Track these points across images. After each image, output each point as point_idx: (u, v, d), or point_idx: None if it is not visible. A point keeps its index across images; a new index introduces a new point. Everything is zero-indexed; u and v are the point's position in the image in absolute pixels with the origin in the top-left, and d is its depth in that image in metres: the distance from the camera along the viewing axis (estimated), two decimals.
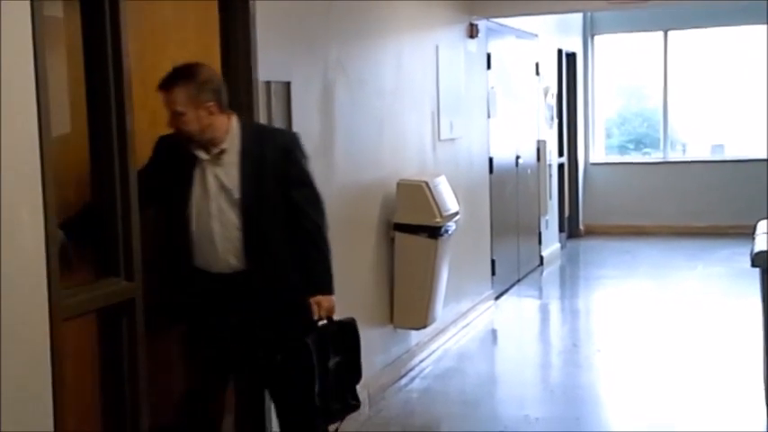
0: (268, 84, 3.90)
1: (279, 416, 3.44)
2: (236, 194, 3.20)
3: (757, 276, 4.27)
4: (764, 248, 4.19)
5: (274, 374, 3.34)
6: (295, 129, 4.09)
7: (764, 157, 10.63)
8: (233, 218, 3.21)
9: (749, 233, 4.91)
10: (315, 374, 3.25)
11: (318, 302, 3.33)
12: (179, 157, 3.23)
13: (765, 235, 4.55)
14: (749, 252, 4.31)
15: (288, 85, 4.06)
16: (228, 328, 3.27)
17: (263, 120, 3.87)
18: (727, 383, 5.10)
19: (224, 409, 3.46)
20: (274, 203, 3.26)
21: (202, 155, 3.21)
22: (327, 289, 3.37)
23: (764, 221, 5.01)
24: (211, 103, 3.17)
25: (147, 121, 3.21)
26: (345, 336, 3.45)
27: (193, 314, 3.31)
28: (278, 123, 3.97)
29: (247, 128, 3.33)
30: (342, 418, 3.47)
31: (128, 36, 2.71)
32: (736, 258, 8.11)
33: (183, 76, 3.15)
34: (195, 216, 3.21)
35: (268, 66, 3.89)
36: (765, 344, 4.23)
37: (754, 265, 4.18)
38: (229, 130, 3.24)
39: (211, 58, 3.69)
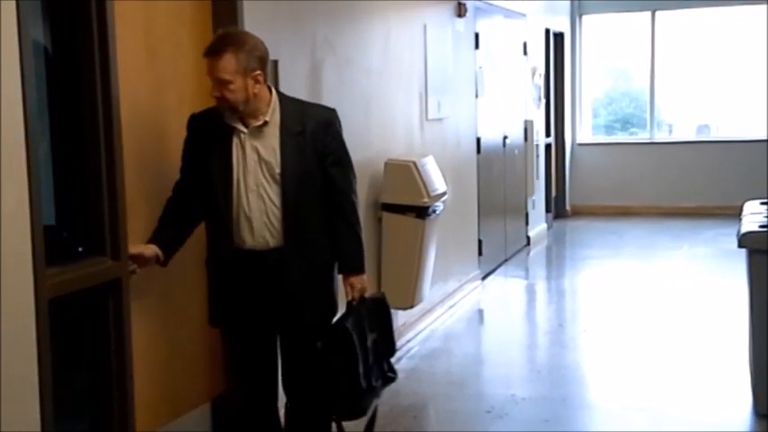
0: None
1: (322, 401, 3.33)
2: (277, 169, 3.14)
3: (743, 257, 4.29)
4: (751, 229, 4.21)
5: (316, 362, 3.28)
6: None
7: (751, 137, 10.68)
8: (272, 193, 3.15)
9: (735, 214, 4.93)
10: (358, 359, 3.24)
11: (352, 284, 3.32)
12: (214, 132, 3.17)
13: (752, 215, 4.57)
14: (735, 233, 4.33)
15: (275, 63, 4.02)
16: (264, 313, 3.22)
17: None
18: (712, 364, 5.13)
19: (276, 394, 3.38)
20: (313, 180, 3.21)
21: (241, 127, 3.15)
22: (360, 269, 3.34)
23: (751, 202, 5.03)
24: (258, 72, 3.11)
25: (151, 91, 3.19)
26: (378, 311, 3.44)
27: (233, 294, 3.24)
28: None
29: (286, 101, 3.26)
30: (381, 393, 3.47)
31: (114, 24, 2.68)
32: (722, 239, 8.16)
33: (231, 42, 3.09)
34: (234, 191, 3.14)
35: None
36: (751, 324, 4.25)
37: (740, 245, 4.19)
38: (270, 103, 3.19)
39: (200, 34, 3.65)
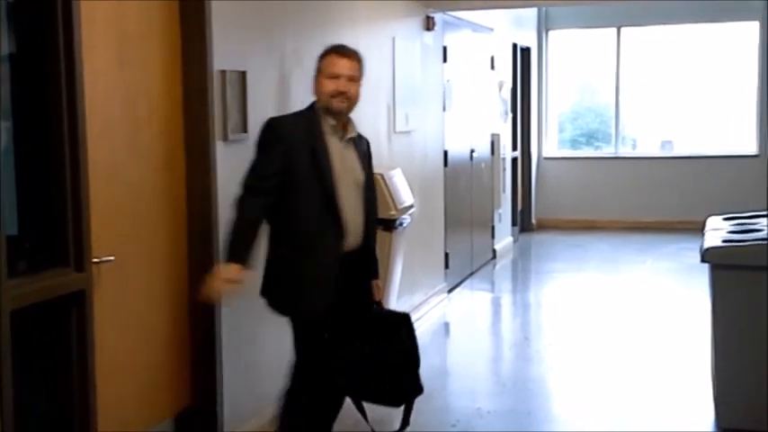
0: (223, 72, 3.85)
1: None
2: (361, 176, 3.53)
3: (706, 271, 4.34)
4: (714, 244, 4.26)
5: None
6: (250, 119, 4.06)
7: (713, 153, 10.84)
8: (357, 198, 3.50)
9: (697, 228, 4.99)
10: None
11: (378, 285, 3.72)
12: (311, 138, 3.42)
13: (715, 231, 4.63)
14: (698, 247, 4.38)
15: (243, 74, 4.01)
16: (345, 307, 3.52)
17: (217, 109, 3.82)
18: (675, 377, 5.18)
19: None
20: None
21: (338, 133, 3.50)
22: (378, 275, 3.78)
23: (714, 217, 5.09)
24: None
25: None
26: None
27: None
28: (233, 113, 3.93)
29: None
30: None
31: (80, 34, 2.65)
32: (685, 253, 8.25)
33: (354, 50, 3.57)
34: (338, 196, 3.42)
35: (224, 54, 3.84)
36: (713, 338, 4.30)
37: (703, 260, 4.24)
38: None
39: (169, 47, 3.63)
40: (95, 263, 2.97)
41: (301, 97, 4.60)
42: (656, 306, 7.00)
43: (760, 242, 4.17)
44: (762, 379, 4.13)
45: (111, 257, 3.21)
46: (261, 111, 4.18)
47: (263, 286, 3.55)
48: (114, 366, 3.32)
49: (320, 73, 3.54)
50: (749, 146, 10.70)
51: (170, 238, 3.71)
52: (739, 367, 4.18)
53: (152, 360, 3.62)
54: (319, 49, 4.83)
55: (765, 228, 4.48)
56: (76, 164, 2.66)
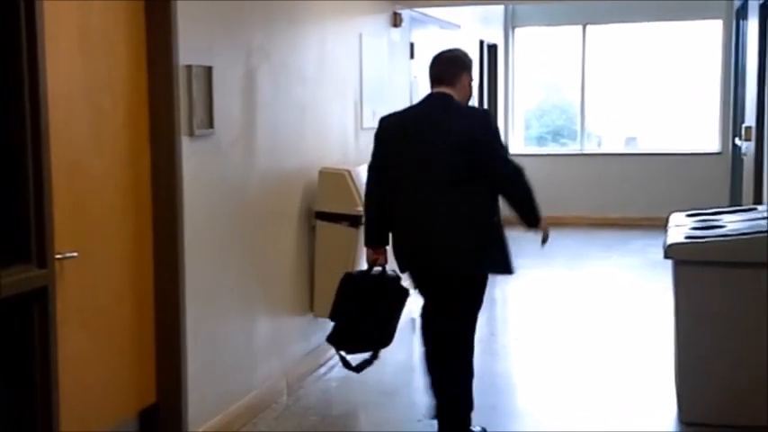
0: (189, 68, 3.82)
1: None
2: None
3: (669, 267, 4.39)
4: (677, 240, 4.31)
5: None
6: (216, 115, 4.04)
7: (677, 150, 10.97)
8: None
9: (661, 225, 5.04)
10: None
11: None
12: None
13: (678, 227, 4.68)
14: (662, 243, 4.43)
15: (209, 69, 3.98)
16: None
17: (182, 104, 3.79)
18: (639, 372, 5.23)
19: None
20: None
21: None
22: None
23: (677, 214, 5.15)
24: None
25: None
26: None
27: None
28: (198, 109, 3.90)
29: None
30: None
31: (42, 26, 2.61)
32: (649, 249, 8.33)
33: None
34: None
35: (189, 49, 3.81)
36: (676, 333, 4.35)
37: (666, 256, 4.29)
38: None
39: (134, 39, 3.60)
40: (58, 259, 2.93)
41: (268, 92, 4.59)
42: (621, 301, 7.07)
43: (722, 238, 4.22)
44: (723, 374, 4.19)
45: (75, 253, 3.18)
46: (227, 106, 4.16)
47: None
48: (77, 364, 3.29)
49: (469, 74, 4.14)
50: (712, 143, 10.84)
51: (135, 234, 3.68)
52: (701, 362, 4.23)
53: (116, 357, 3.59)
54: (286, 45, 4.84)
55: (727, 224, 4.54)
56: (38, 157, 2.62)
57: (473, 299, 4.02)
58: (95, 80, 3.39)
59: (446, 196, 3.86)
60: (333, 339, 4.21)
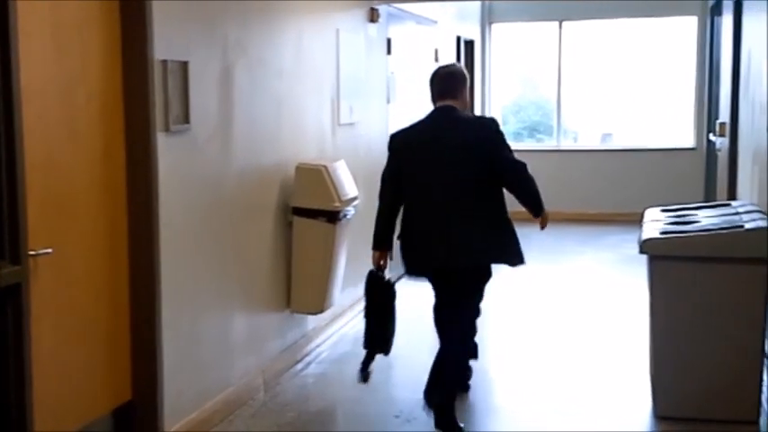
0: (164, 63, 3.80)
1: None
2: None
3: (644, 262, 4.42)
4: (652, 236, 4.34)
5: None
6: (192, 110, 4.02)
7: (652, 146, 11.05)
8: None
9: (636, 220, 5.07)
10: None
11: None
12: None
13: (653, 222, 4.72)
14: (637, 239, 4.46)
15: (185, 64, 3.96)
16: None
17: (158, 100, 3.77)
18: (614, 366, 5.27)
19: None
20: None
21: None
22: None
23: (652, 209, 5.19)
24: None
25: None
26: None
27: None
28: (174, 104, 3.88)
29: None
30: None
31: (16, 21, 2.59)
32: (625, 245, 8.38)
33: None
34: None
35: (165, 44, 3.79)
36: (651, 327, 4.38)
37: (642, 251, 4.32)
38: None
39: (109, 33, 3.57)
40: (32, 255, 2.91)
41: (244, 87, 4.57)
42: (596, 296, 7.11)
43: (696, 234, 4.26)
44: (698, 368, 4.23)
45: (49, 250, 3.16)
46: (203, 102, 4.14)
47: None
48: (51, 361, 3.26)
49: (467, 86, 4.50)
50: (687, 139, 10.92)
51: (110, 230, 3.66)
52: (676, 356, 4.27)
53: (91, 354, 3.56)
54: (263, 40, 4.82)
55: (701, 219, 4.58)
56: (12, 153, 2.60)
57: (482, 288, 4.49)
58: (69, 76, 3.37)
59: (463, 198, 4.22)
60: (369, 344, 4.53)
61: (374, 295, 4.59)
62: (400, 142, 4.42)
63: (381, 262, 4.58)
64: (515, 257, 4.42)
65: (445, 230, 4.23)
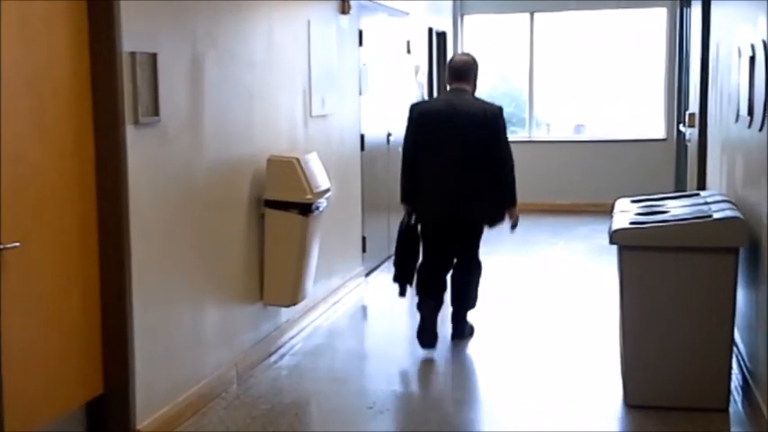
0: (133, 55, 3.77)
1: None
2: None
3: (615, 252, 4.45)
4: (622, 226, 4.38)
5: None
6: (162, 102, 3.99)
7: (623, 137, 11.13)
8: None
9: (608, 211, 5.11)
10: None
11: None
12: None
13: (623, 213, 4.75)
14: (608, 229, 4.49)
15: (154, 56, 3.93)
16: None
17: (127, 92, 3.74)
18: (586, 355, 5.31)
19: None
20: None
21: None
22: None
23: (622, 200, 5.23)
24: None
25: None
26: None
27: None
28: (143, 96, 3.85)
29: None
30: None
31: None
32: (596, 235, 8.43)
33: None
34: None
35: (133, 36, 3.76)
36: (621, 317, 4.42)
37: (612, 242, 4.35)
38: None
39: (76, 24, 3.53)
40: None
41: (215, 79, 4.54)
42: (568, 286, 7.16)
43: (665, 224, 4.30)
44: (667, 357, 4.27)
45: (17, 243, 3.13)
46: (173, 94, 4.11)
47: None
48: (21, 356, 3.24)
49: (477, 73, 5.51)
50: (658, 130, 11.01)
51: (79, 223, 3.63)
52: (646, 345, 4.31)
53: (61, 348, 3.54)
54: (233, 31, 4.80)
55: (670, 209, 4.62)
56: None
57: (478, 240, 5.55)
58: (36, 68, 3.33)
59: (466, 166, 5.18)
60: (399, 279, 5.58)
61: (405, 241, 5.48)
62: (418, 112, 5.38)
63: (412, 211, 5.42)
64: (496, 221, 5.51)
65: (447, 191, 5.22)
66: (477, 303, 5.70)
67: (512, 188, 5.42)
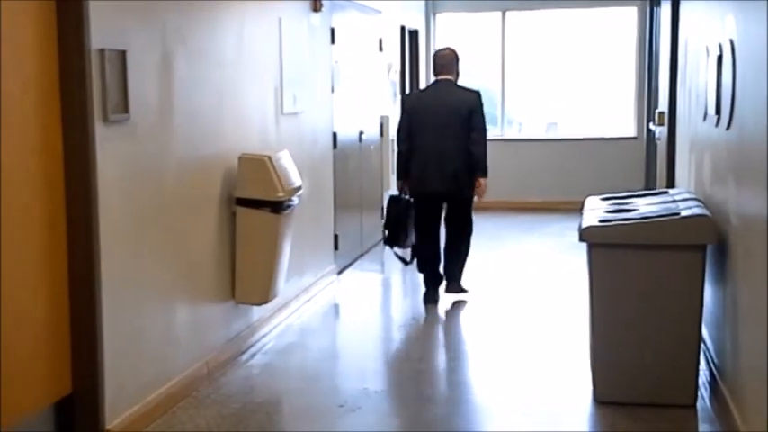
0: (102, 51, 3.74)
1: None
2: None
3: (585, 250, 4.48)
4: (591, 224, 4.41)
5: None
6: (132, 100, 3.96)
7: (593, 135, 11.21)
8: None
9: (579, 209, 5.14)
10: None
11: None
12: None
13: (592, 211, 4.79)
14: (578, 227, 4.52)
15: (123, 53, 3.90)
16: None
17: (96, 89, 3.71)
18: (556, 352, 5.34)
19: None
20: None
21: None
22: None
23: (592, 197, 5.27)
24: None
25: None
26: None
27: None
28: (112, 94, 3.82)
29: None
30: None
31: None
32: (567, 233, 8.50)
33: None
34: None
35: (102, 32, 3.73)
36: (591, 314, 4.45)
37: (581, 239, 4.38)
38: None
39: (44, 19, 3.50)
40: None
41: (185, 77, 4.52)
42: (538, 284, 7.20)
43: (634, 221, 4.34)
44: (636, 354, 4.31)
45: None
46: (143, 91, 4.09)
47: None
48: None
49: (458, 64, 6.42)
50: (628, 128, 11.10)
51: (48, 221, 3.60)
52: (615, 342, 4.34)
53: (29, 347, 3.51)
54: (203, 28, 4.78)
55: (639, 207, 4.67)
56: None
57: (470, 202, 6.50)
58: (3, 65, 3.29)
59: (452, 145, 6.20)
60: (388, 242, 6.61)
61: (394, 209, 6.47)
62: (411, 101, 6.59)
63: (403, 188, 6.46)
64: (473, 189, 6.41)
65: (437, 167, 6.21)
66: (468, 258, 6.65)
67: (481, 159, 6.26)
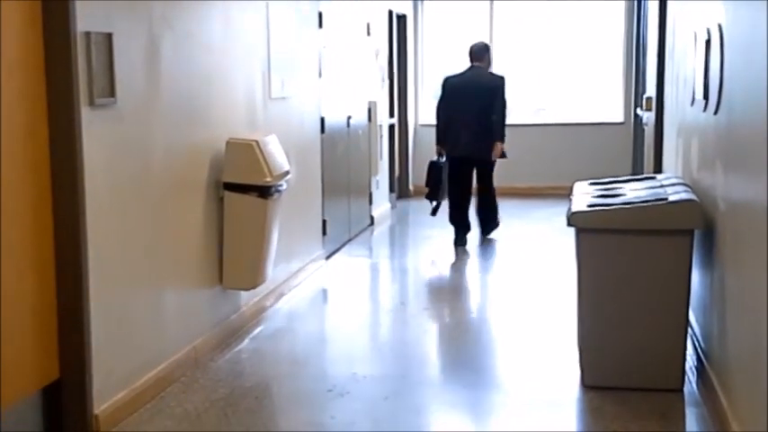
0: (87, 34, 3.71)
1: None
2: None
3: (573, 235, 4.49)
4: (579, 209, 4.41)
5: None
6: (118, 83, 3.94)
7: (581, 121, 11.21)
8: None
9: (567, 194, 5.15)
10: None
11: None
12: None
13: (581, 196, 4.79)
14: (566, 212, 4.52)
15: (109, 36, 3.87)
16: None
17: (82, 73, 3.68)
18: (544, 337, 5.36)
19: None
20: None
21: None
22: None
23: (580, 183, 5.27)
24: None
25: None
26: None
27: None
28: (99, 77, 3.79)
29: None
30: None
31: None
32: (555, 218, 8.51)
33: None
34: None
35: (87, 15, 3.70)
36: (579, 299, 4.46)
37: (569, 224, 4.39)
38: None
39: (28, 6, 3.47)
40: None
41: (171, 61, 4.49)
42: (527, 268, 7.22)
43: (621, 206, 4.34)
44: (624, 338, 4.33)
45: None
46: (129, 75, 4.06)
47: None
48: None
49: (490, 54, 8.26)
50: (616, 114, 11.11)
51: (34, 206, 3.57)
52: (603, 327, 4.36)
53: (16, 333, 3.49)
54: (190, 12, 4.75)
55: (627, 192, 4.67)
56: None
57: (492, 168, 8.22)
58: None
59: (479, 118, 7.80)
60: (428, 196, 8.27)
61: (434, 170, 8.13)
62: (449, 82, 8.05)
63: (441, 151, 8.09)
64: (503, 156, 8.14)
65: (467, 135, 7.84)
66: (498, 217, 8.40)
67: (500, 129, 7.87)
